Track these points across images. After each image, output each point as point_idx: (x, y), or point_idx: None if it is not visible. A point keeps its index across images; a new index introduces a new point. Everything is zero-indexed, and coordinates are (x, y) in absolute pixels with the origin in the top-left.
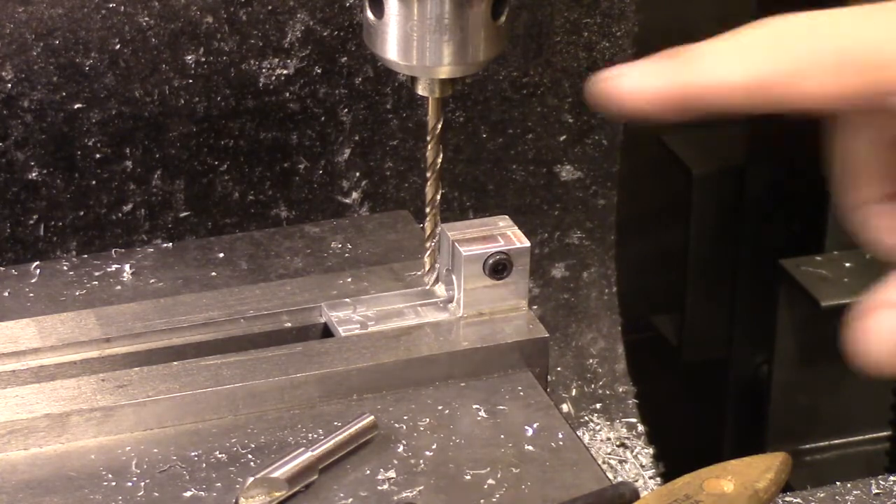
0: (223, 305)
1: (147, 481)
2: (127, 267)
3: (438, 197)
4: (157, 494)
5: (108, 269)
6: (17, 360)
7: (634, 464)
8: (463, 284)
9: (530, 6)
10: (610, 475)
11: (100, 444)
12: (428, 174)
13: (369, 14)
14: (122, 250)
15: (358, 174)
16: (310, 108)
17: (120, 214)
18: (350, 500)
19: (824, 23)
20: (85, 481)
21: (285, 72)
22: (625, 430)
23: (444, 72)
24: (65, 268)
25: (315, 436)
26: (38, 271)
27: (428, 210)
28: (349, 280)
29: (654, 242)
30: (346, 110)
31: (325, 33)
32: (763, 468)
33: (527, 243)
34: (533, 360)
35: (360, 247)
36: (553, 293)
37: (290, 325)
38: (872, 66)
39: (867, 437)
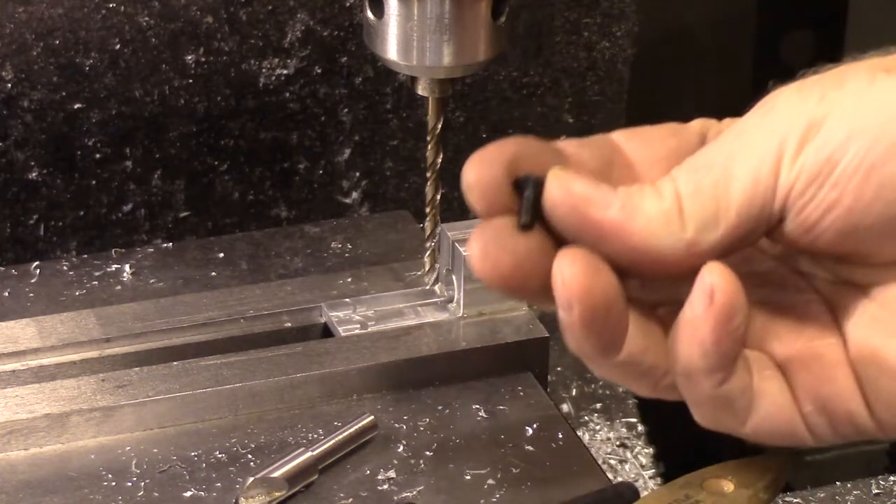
0: (223, 305)
1: (147, 481)
2: (127, 267)
3: (438, 197)
4: (157, 494)
5: (108, 269)
6: (17, 360)
7: (634, 464)
8: (463, 284)
9: (530, 6)
10: (610, 475)
11: (100, 444)
12: (428, 174)
13: (369, 14)
14: (122, 250)
15: (358, 174)
16: (310, 108)
17: (120, 214)
18: (350, 500)
19: None
20: (85, 481)
21: (285, 72)
22: (625, 430)
23: (444, 72)
24: (65, 268)
25: (315, 436)
26: (38, 271)
27: (428, 210)
28: (349, 280)
29: None
30: (346, 110)
31: (325, 33)
32: (763, 468)
33: None
34: (533, 360)
35: (360, 247)
36: None
37: (290, 325)
38: None
39: None
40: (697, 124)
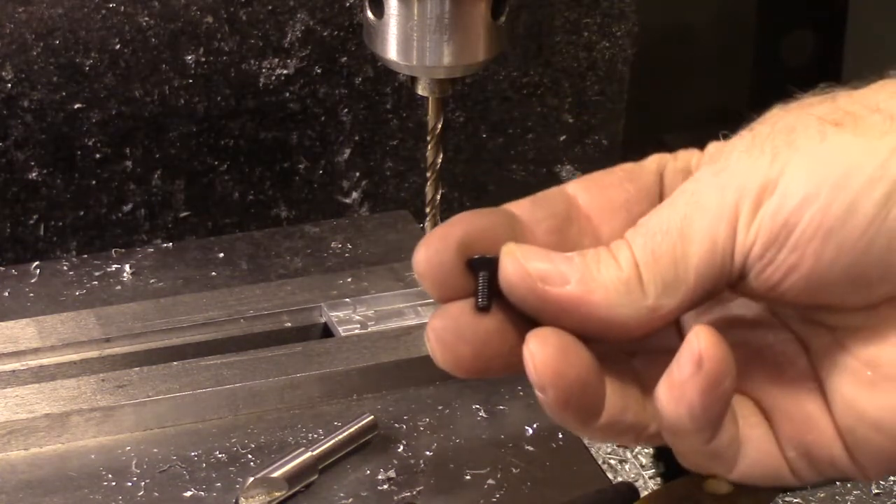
0: (223, 305)
1: (147, 481)
2: (127, 267)
3: (438, 197)
4: (157, 494)
5: (108, 269)
6: (17, 360)
7: (634, 464)
8: None
9: (530, 6)
10: (610, 475)
11: (100, 444)
12: (428, 174)
13: (369, 14)
14: (122, 250)
15: (358, 174)
16: (310, 108)
17: (120, 214)
18: (350, 500)
19: None
20: (85, 481)
21: (285, 72)
22: None
23: (444, 72)
24: (65, 268)
25: (315, 436)
26: (38, 271)
27: (428, 210)
28: (349, 280)
29: None
30: (346, 110)
31: (325, 33)
32: None
33: None
34: None
35: (360, 247)
36: None
37: (290, 325)
38: None
39: None
40: (653, 163)
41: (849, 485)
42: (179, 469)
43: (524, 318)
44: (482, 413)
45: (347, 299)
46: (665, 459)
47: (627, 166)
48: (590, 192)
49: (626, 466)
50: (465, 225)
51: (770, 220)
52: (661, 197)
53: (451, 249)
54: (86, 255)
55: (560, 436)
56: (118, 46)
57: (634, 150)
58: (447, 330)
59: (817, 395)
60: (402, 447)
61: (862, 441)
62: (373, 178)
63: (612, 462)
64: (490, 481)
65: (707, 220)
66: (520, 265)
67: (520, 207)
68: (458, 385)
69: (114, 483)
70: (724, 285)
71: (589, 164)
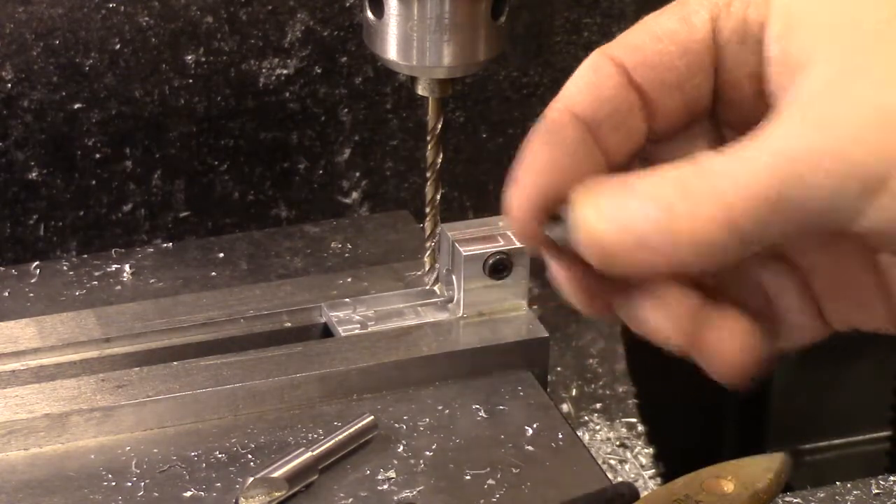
0: (223, 305)
1: (147, 481)
2: (127, 267)
3: (438, 197)
4: (157, 494)
5: (108, 269)
6: (17, 360)
7: (634, 464)
8: (463, 284)
9: (530, 6)
10: (610, 475)
11: (100, 444)
12: (428, 174)
13: (369, 14)
14: (122, 250)
15: (358, 174)
16: (310, 108)
17: (120, 214)
18: (350, 500)
19: None
20: (85, 481)
21: (285, 72)
22: (625, 430)
23: (444, 72)
24: (65, 268)
25: (315, 436)
26: (38, 271)
27: (428, 210)
28: (349, 280)
29: None
30: (346, 110)
31: (325, 33)
32: (763, 468)
33: None
34: (533, 360)
35: (360, 247)
36: (553, 293)
37: (290, 325)
38: None
39: (867, 437)
40: (705, 25)
41: (849, 485)
42: (179, 469)
43: None
44: (482, 413)
45: (347, 299)
46: (665, 459)
47: (677, 33)
48: (649, 82)
49: (626, 466)
50: (546, 177)
51: None
52: (716, 73)
53: (534, 210)
54: (86, 255)
55: (560, 436)
56: (118, 46)
57: None
58: (567, 283)
59: (869, 268)
60: (402, 447)
61: None
62: (373, 178)
63: (612, 462)
64: (490, 481)
65: None
66: (594, 240)
67: (583, 107)
68: (458, 385)
69: (114, 483)
70: None
71: None
